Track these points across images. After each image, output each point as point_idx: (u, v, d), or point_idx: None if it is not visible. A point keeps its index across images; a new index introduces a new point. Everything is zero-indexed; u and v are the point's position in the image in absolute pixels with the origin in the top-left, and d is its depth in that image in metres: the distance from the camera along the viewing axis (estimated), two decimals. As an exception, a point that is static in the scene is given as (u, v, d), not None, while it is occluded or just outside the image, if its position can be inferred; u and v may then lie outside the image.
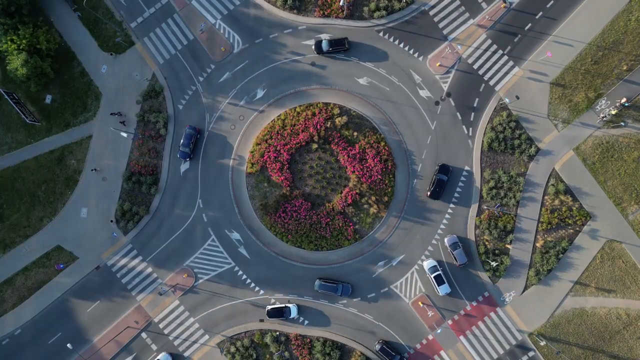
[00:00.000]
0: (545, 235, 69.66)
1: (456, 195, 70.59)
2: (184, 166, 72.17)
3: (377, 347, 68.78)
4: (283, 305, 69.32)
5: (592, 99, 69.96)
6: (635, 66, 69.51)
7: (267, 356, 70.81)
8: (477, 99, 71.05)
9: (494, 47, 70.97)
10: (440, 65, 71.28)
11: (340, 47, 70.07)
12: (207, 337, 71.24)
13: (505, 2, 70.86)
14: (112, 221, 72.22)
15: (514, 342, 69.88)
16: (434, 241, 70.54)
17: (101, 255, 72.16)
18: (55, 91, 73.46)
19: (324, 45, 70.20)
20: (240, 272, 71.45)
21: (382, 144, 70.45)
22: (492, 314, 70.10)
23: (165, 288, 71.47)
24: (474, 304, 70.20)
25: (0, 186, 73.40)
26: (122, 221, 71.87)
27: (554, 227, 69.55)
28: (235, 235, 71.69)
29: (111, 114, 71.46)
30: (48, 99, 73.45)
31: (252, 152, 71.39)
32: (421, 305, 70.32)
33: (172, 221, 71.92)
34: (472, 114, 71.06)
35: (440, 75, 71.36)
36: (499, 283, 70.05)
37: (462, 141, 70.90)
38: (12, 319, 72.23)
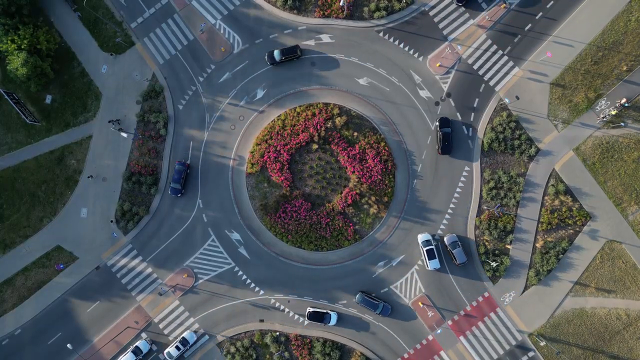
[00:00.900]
0: (545, 236, 69.66)
1: (456, 195, 70.60)
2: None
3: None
4: (325, 311, 68.96)
5: (592, 99, 69.97)
6: (635, 67, 69.52)
7: (267, 356, 70.81)
8: (477, 100, 71.07)
9: (494, 47, 70.99)
10: (440, 65, 71.30)
11: (292, 55, 70.08)
12: (207, 337, 71.23)
13: (505, 2, 70.87)
14: (112, 221, 72.23)
15: (514, 343, 69.89)
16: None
17: (101, 255, 72.17)
18: (55, 91, 73.47)
19: (276, 55, 70.23)
20: (240, 273, 71.46)
21: (382, 144, 70.46)
22: (492, 314, 70.11)
23: (165, 288, 71.47)
24: (474, 304, 70.20)
25: (0, 186, 73.42)
26: (122, 221, 71.88)
27: (554, 227, 69.55)
28: (235, 236, 71.70)
29: (109, 121, 71.44)
30: (48, 99, 73.47)
31: (252, 152, 71.41)
32: (421, 305, 70.32)
33: (172, 221, 71.93)
34: (472, 114, 71.08)
35: (440, 75, 71.37)
36: (499, 283, 70.05)
37: (462, 141, 70.88)
38: (12, 319, 72.25)
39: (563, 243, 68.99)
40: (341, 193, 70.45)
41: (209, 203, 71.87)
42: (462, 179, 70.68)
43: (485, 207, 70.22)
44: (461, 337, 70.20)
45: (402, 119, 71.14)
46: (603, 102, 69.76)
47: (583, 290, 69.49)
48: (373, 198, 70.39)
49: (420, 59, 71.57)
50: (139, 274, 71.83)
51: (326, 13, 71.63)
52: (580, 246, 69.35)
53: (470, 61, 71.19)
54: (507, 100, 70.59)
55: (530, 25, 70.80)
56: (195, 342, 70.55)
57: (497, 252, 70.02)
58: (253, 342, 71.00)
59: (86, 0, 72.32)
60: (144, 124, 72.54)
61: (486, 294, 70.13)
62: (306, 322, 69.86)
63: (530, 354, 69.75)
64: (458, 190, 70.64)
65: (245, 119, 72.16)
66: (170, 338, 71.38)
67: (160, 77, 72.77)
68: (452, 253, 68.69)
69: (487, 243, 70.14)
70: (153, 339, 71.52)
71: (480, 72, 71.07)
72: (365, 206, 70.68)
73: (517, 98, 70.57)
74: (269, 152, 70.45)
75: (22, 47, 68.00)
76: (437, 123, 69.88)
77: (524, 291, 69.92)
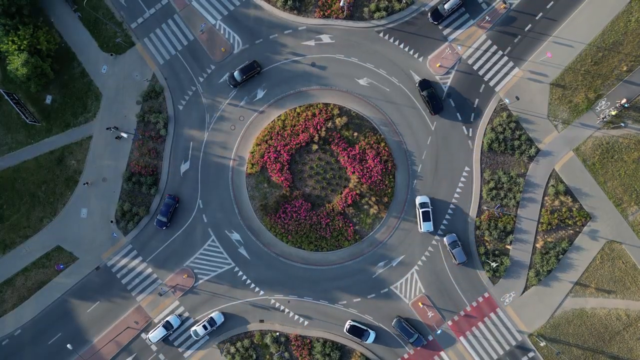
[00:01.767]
0: (545, 236, 69.67)
1: (456, 195, 70.60)
2: (184, 167, 72.21)
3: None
4: (365, 328, 68.61)
5: (592, 99, 69.99)
6: (635, 67, 69.53)
7: (267, 357, 70.80)
8: (477, 100, 71.08)
9: (494, 47, 71.01)
10: (440, 66, 71.32)
11: (252, 71, 69.89)
12: (207, 337, 71.18)
13: (505, 2, 70.90)
14: (112, 222, 72.23)
15: (514, 343, 69.87)
16: (434, 242, 70.54)
17: (101, 255, 72.17)
18: (56, 91, 73.49)
19: (237, 76, 70.04)
20: (240, 273, 71.45)
21: (382, 144, 70.47)
22: (492, 315, 70.10)
23: (165, 288, 71.46)
24: (474, 304, 70.20)
25: (0, 186, 73.42)
26: (122, 222, 71.89)
27: (554, 227, 69.55)
28: (235, 236, 71.70)
29: (107, 128, 71.43)
30: (48, 99, 73.49)
31: (252, 152, 71.42)
32: (421, 305, 70.32)
33: (172, 222, 71.88)
34: (472, 114, 71.09)
35: (440, 75, 71.38)
36: (499, 284, 70.04)
37: (462, 142, 70.92)
38: (12, 319, 72.23)
39: (563, 243, 68.99)
40: (341, 193, 70.45)
41: (209, 203, 71.87)
42: (462, 179, 70.68)
43: (485, 208, 70.23)
44: (461, 338, 70.19)
45: (402, 120, 71.16)
46: (603, 102, 69.77)
47: (583, 290, 69.49)
48: (373, 198, 70.40)
49: (421, 59, 71.59)
50: (139, 274, 71.83)
51: (326, 13, 71.66)
52: (580, 246, 69.35)
53: (470, 61, 71.21)
54: (507, 101, 70.61)
55: (530, 25, 70.82)
56: (222, 324, 70.00)
57: (497, 252, 70.03)
58: (253, 343, 70.99)
59: (86, 0, 72.35)
60: (144, 124, 72.55)
61: (486, 295, 70.13)
62: (346, 334, 69.56)
63: (530, 354, 69.74)
64: (458, 190, 70.65)
65: (246, 119, 72.17)
66: (170, 338, 71.37)
67: (160, 77, 72.79)
68: (452, 252, 68.70)
69: (487, 243, 70.14)
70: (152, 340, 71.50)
71: (480, 73, 71.09)
72: (365, 206, 70.69)
73: (517, 98, 70.59)
74: (269, 152, 70.47)
75: (22, 47, 68.02)
76: (419, 87, 69.83)
77: (524, 291, 69.91)
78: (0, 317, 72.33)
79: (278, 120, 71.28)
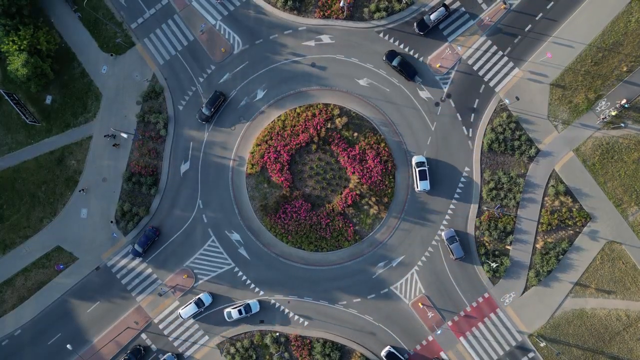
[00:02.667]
0: (545, 237, 69.65)
1: (456, 196, 70.60)
2: (184, 167, 72.23)
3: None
4: (398, 354, 68.18)
5: (592, 100, 69.99)
6: (635, 67, 69.52)
7: (267, 357, 70.76)
8: (477, 100, 71.09)
9: (494, 48, 71.02)
10: (440, 66, 71.33)
11: (217, 102, 69.82)
12: (206, 337, 71.20)
13: (505, 3, 70.92)
14: (112, 222, 72.23)
15: (514, 343, 69.85)
16: (434, 242, 70.53)
17: (101, 255, 72.17)
18: (56, 92, 73.51)
19: (205, 111, 69.95)
20: (240, 273, 71.44)
21: (382, 144, 70.47)
22: (492, 315, 70.07)
23: (165, 289, 71.45)
24: (474, 304, 70.18)
25: (0, 186, 73.42)
26: (122, 222, 71.88)
27: (554, 228, 69.54)
28: (235, 236, 71.69)
29: (105, 135, 71.41)
30: (48, 99, 73.50)
31: (252, 152, 71.42)
32: (421, 306, 70.30)
33: (172, 222, 71.91)
34: (472, 115, 71.10)
35: (440, 76, 71.39)
36: (499, 284, 70.02)
37: (462, 142, 70.92)
38: (12, 319, 72.21)
39: (563, 244, 68.97)
40: (341, 194, 70.45)
41: (209, 204, 71.87)
42: (462, 179, 70.68)
43: (485, 208, 70.22)
44: (461, 338, 70.17)
45: (402, 120, 71.16)
46: (603, 102, 69.77)
47: (583, 291, 69.46)
48: (373, 199, 70.39)
49: (421, 59, 71.59)
50: (138, 274, 71.82)
51: (326, 14, 71.68)
52: (580, 247, 69.33)
53: (470, 62, 71.22)
54: (507, 101, 70.61)
55: (530, 26, 70.84)
56: (257, 312, 70.01)
57: (497, 252, 70.01)
58: (253, 343, 70.95)
59: (86, 0, 72.38)
60: (144, 125, 72.56)
61: (486, 295, 70.11)
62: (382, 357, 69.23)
63: (530, 354, 69.70)
64: (458, 190, 70.64)
65: (246, 120, 72.14)
66: (170, 338, 71.32)
67: (160, 77, 72.81)
68: (450, 247, 68.69)
69: (487, 244, 70.12)
70: (152, 340, 71.43)
71: (480, 73, 71.10)
72: (365, 207, 70.68)
73: (517, 99, 70.59)
74: (269, 152, 70.47)
75: (23, 47, 68.02)
76: (386, 60, 70.11)
77: (524, 292, 69.89)
78: (0, 317, 72.29)
79: (278, 120, 71.29)
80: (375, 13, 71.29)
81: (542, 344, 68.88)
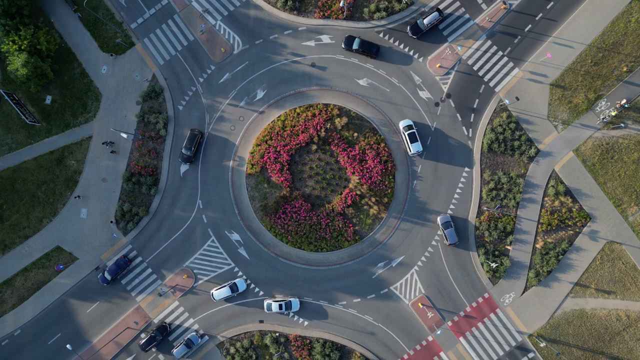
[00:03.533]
0: (545, 237, 69.64)
1: (456, 196, 70.60)
2: (184, 167, 72.22)
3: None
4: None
5: (592, 100, 69.99)
6: (635, 67, 69.53)
7: (267, 357, 70.76)
8: (477, 100, 71.09)
9: (494, 48, 71.02)
10: (440, 66, 71.32)
11: (196, 140, 69.93)
12: (206, 338, 71.18)
13: (505, 3, 70.92)
14: (112, 222, 72.22)
15: (513, 344, 69.83)
16: (434, 242, 70.52)
17: (101, 256, 72.14)
18: (56, 92, 73.51)
19: (186, 152, 69.94)
20: (240, 273, 71.42)
21: (382, 145, 70.47)
22: (492, 315, 70.06)
23: (165, 289, 71.44)
24: (474, 305, 70.17)
25: (0, 186, 73.40)
26: (122, 222, 71.87)
27: (553, 228, 69.53)
28: (235, 236, 71.68)
29: (103, 143, 71.37)
30: (48, 99, 73.51)
31: (252, 153, 71.42)
32: (421, 306, 70.28)
33: (172, 222, 71.92)
34: (472, 115, 71.09)
35: (440, 76, 71.39)
36: (498, 284, 70.01)
37: (462, 142, 70.92)
38: (12, 319, 72.20)
39: (563, 244, 68.96)
40: (341, 194, 70.44)
41: (209, 204, 71.87)
42: (462, 179, 70.67)
43: (485, 208, 70.20)
44: (461, 338, 70.15)
45: (402, 120, 71.11)
46: (603, 103, 69.77)
47: (583, 291, 69.45)
48: (373, 199, 70.38)
49: (420, 59, 71.60)
50: (138, 274, 71.81)
51: (326, 14, 71.68)
52: (580, 247, 69.32)
53: (470, 62, 71.22)
54: (507, 101, 70.61)
55: (530, 26, 70.84)
56: (296, 312, 70.34)
57: (497, 253, 70.00)
58: (253, 343, 70.95)
59: (86, 1, 72.39)
60: (144, 125, 72.56)
61: (486, 295, 70.10)
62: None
63: (530, 355, 69.69)
64: (458, 191, 70.64)
65: (245, 120, 72.18)
66: (170, 339, 71.31)
67: (160, 77, 72.80)
68: (444, 233, 68.65)
69: (487, 244, 70.11)
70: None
71: (480, 73, 71.10)
72: (365, 207, 70.67)
73: (517, 99, 70.59)
74: (268, 152, 70.47)
75: (23, 47, 68.04)
76: (345, 46, 70.41)
77: (523, 292, 69.88)
78: (0, 317, 72.27)
79: (278, 120, 71.29)
80: (375, 13, 71.30)
81: (542, 344, 68.86)
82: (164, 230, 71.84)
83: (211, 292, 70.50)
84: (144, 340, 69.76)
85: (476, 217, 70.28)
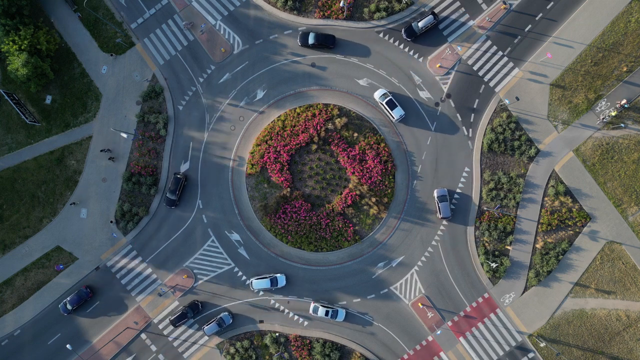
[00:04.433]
0: (545, 237, 69.63)
1: (456, 196, 70.58)
2: (184, 167, 72.21)
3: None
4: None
5: (592, 100, 69.99)
6: (635, 67, 69.53)
7: (267, 357, 70.75)
8: (477, 100, 71.08)
9: (494, 48, 71.02)
10: (440, 66, 71.31)
11: (180, 184, 70.05)
12: (206, 338, 71.18)
13: (505, 3, 70.93)
14: (111, 222, 72.21)
15: (513, 344, 69.82)
16: (434, 242, 70.52)
17: (101, 256, 72.14)
18: (56, 92, 73.50)
19: (171, 196, 70.01)
20: (240, 273, 71.42)
21: (382, 145, 70.46)
22: (492, 315, 70.06)
23: (165, 289, 71.43)
24: (474, 305, 70.16)
25: (0, 187, 73.39)
26: (122, 222, 71.86)
27: (553, 228, 69.53)
28: (235, 236, 71.67)
29: (101, 150, 71.33)
30: (48, 99, 73.50)
31: (252, 153, 71.41)
32: (421, 306, 70.27)
33: (172, 222, 71.90)
34: (472, 115, 71.09)
35: (440, 76, 71.39)
36: (498, 284, 70.01)
37: (462, 142, 70.91)
38: (12, 319, 72.18)
39: (563, 244, 68.96)
40: (341, 194, 70.43)
41: (209, 204, 71.86)
42: (462, 179, 70.67)
43: (485, 208, 70.20)
44: (461, 338, 70.14)
45: (402, 120, 71.13)
46: (603, 103, 69.77)
47: (583, 291, 69.44)
48: (373, 199, 70.36)
49: (421, 59, 71.60)
50: (138, 274, 71.80)
51: (326, 14, 71.68)
52: (580, 247, 69.32)
53: (470, 62, 71.21)
54: (507, 101, 70.61)
55: (530, 26, 70.84)
56: (343, 319, 69.90)
57: (497, 253, 69.99)
58: (253, 343, 70.94)
59: (86, 0, 72.38)
60: (144, 125, 72.55)
61: (486, 295, 70.09)
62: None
63: (530, 355, 69.68)
64: (458, 191, 70.64)
65: (245, 120, 72.18)
66: (170, 338, 71.33)
67: (160, 77, 72.80)
68: (438, 206, 68.69)
69: (487, 244, 70.10)
70: (152, 340, 71.43)
71: (480, 73, 71.10)
72: (365, 207, 70.66)
73: (517, 99, 70.59)
74: (268, 152, 70.46)
75: (23, 47, 68.05)
76: (301, 43, 70.66)
77: (523, 292, 69.87)
78: (0, 317, 72.25)
79: (278, 120, 71.28)
80: (375, 13, 71.29)
81: (542, 344, 68.85)
82: (164, 230, 71.83)
83: (250, 280, 70.23)
84: (175, 316, 69.64)
85: (476, 217, 70.26)
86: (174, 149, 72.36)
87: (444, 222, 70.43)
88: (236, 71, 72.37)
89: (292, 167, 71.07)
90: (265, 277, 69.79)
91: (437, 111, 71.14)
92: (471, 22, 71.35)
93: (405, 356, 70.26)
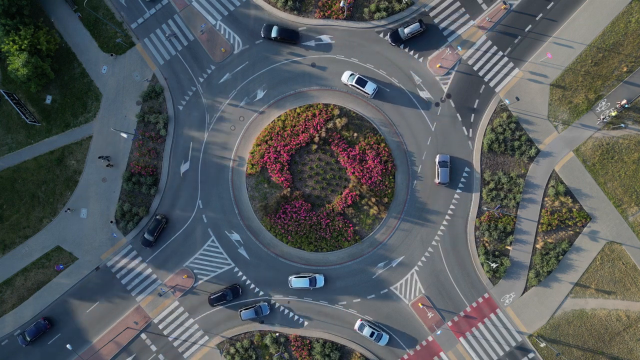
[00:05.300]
0: (545, 237, 69.62)
1: (456, 196, 70.58)
2: (184, 167, 72.22)
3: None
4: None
5: (592, 100, 69.98)
6: (636, 68, 69.52)
7: (267, 357, 70.73)
8: (477, 100, 71.07)
9: (494, 48, 71.01)
10: (440, 66, 71.31)
11: (160, 227, 69.90)
12: (206, 338, 71.18)
13: (505, 3, 70.92)
14: (111, 222, 72.21)
15: (513, 344, 69.81)
16: (434, 242, 70.51)
17: (101, 256, 72.13)
18: (56, 92, 73.50)
19: (148, 237, 69.77)
20: (240, 273, 71.41)
21: (382, 145, 70.46)
22: (492, 316, 70.04)
23: (165, 289, 71.42)
24: (474, 305, 70.15)
25: (0, 186, 73.39)
26: (122, 222, 71.86)
27: (554, 228, 69.52)
28: (235, 236, 71.66)
29: (99, 157, 71.29)
30: (48, 99, 73.50)
31: (252, 153, 71.41)
32: (421, 306, 70.26)
33: (172, 222, 71.89)
34: (472, 115, 71.08)
35: (440, 76, 71.38)
36: (498, 284, 69.99)
37: (462, 142, 70.90)
38: (12, 319, 72.16)
39: (563, 244, 68.94)
40: (341, 194, 70.43)
41: (209, 204, 71.85)
42: (462, 179, 70.66)
43: (485, 208, 70.19)
44: (461, 338, 70.13)
45: (402, 120, 71.15)
46: (603, 103, 69.76)
47: (583, 291, 69.43)
48: (373, 199, 70.35)
49: (421, 60, 71.59)
50: (138, 274, 71.79)
51: (326, 14, 71.68)
52: (580, 247, 69.31)
53: (470, 62, 71.21)
54: (507, 101, 70.60)
55: (530, 26, 70.84)
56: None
57: (497, 253, 69.98)
58: (253, 343, 70.93)
59: (86, 0, 72.39)
60: (144, 125, 72.55)
61: (486, 295, 70.08)
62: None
63: (530, 355, 69.66)
64: (458, 191, 70.62)
65: (246, 120, 72.18)
66: (170, 339, 71.31)
67: (160, 77, 72.80)
68: (438, 170, 68.90)
69: (487, 244, 70.09)
70: (152, 340, 71.43)
71: (481, 73, 71.09)
72: (365, 207, 70.65)
73: (517, 99, 70.58)
74: (269, 152, 70.46)
75: (23, 47, 68.05)
76: (264, 35, 71.02)
77: (524, 292, 69.86)
78: (0, 317, 72.24)
79: (278, 120, 71.28)
80: (376, 13, 71.29)
81: (542, 345, 68.84)
82: (164, 230, 71.78)
83: (290, 278, 70.08)
84: (215, 296, 69.61)
85: (476, 218, 70.26)
86: (174, 149, 72.36)
87: (447, 216, 70.41)
88: (236, 71, 72.37)
89: (292, 167, 71.07)
90: (304, 277, 69.52)
91: (437, 111, 71.14)
92: (471, 22, 71.35)
93: (405, 356, 70.24)
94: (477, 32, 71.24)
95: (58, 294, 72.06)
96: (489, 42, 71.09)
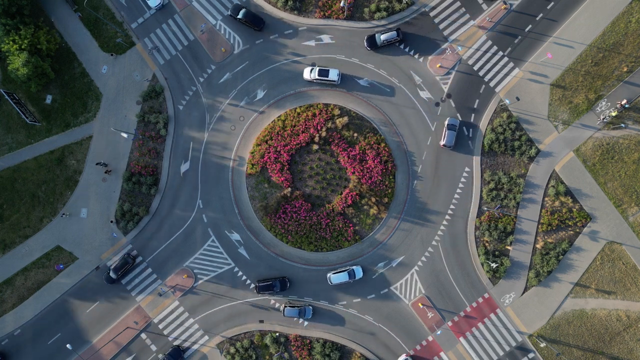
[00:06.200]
0: (546, 237, 69.62)
1: (456, 196, 70.58)
2: (184, 167, 72.24)
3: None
4: None
5: (592, 100, 69.98)
6: (636, 68, 69.51)
7: (267, 357, 70.74)
8: (477, 100, 71.07)
9: (495, 48, 71.01)
10: (440, 66, 71.31)
11: (127, 268, 70.02)
12: (206, 337, 71.18)
13: (505, 3, 70.92)
14: (112, 221, 72.22)
15: (513, 344, 69.81)
16: (434, 242, 70.51)
17: (101, 255, 72.14)
18: (56, 91, 73.51)
19: (112, 274, 69.80)
20: (240, 273, 71.42)
21: (383, 145, 70.45)
22: (492, 316, 70.04)
23: (165, 289, 71.43)
24: (474, 305, 70.15)
25: (0, 187, 73.40)
26: (122, 222, 71.86)
27: (554, 228, 69.51)
28: (235, 236, 71.67)
29: (97, 163, 71.28)
30: (48, 99, 73.51)
31: (252, 152, 71.41)
32: (421, 306, 70.27)
33: (172, 222, 71.90)
34: (473, 115, 71.08)
35: (440, 76, 71.38)
36: (498, 284, 69.99)
37: (462, 142, 70.86)
38: (12, 319, 72.18)
39: (563, 244, 68.94)
40: (341, 194, 70.43)
41: (209, 203, 71.86)
42: (462, 179, 70.66)
43: (485, 208, 70.18)
44: (461, 338, 70.13)
45: (402, 120, 71.15)
46: (603, 103, 69.76)
47: (583, 291, 69.43)
48: (373, 199, 70.35)
49: (421, 59, 71.59)
50: (138, 274, 71.79)
51: (327, 14, 71.68)
52: (580, 247, 69.31)
53: (470, 62, 71.21)
54: (507, 101, 70.60)
55: (530, 26, 70.84)
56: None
57: (497, 253, 69.98)
58: (253, 343, 70.94)
59: (87, 0, 72.39)
60: (144, 125, 72.55)
61: (486, 295, 70.08)
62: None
63: (530, 355, 69.66)
64: (458, 191, 70.62)
65: (246, 120, 72.18)
66: (170, 338, 71.33)
67: (160, 77, 72.80)
68: (445, 132, 69.07)
69: (487, 244, 70.09)
70: (152, 340, 71.43)
71: (481, 73, 71.09)
72: (365, 207, 70.65)
73: (518, 99, 70.58)
74: (269, 152, 70.46)
75: (23, 47, 68.06)
76: (231, 15, 71.43)
77: (524, 292, 69.86)
78: (0, 317, 72.25)
79: (278, 120, 71.28)
80: (376, 13, 71.29)
81: (542, 345, 68.84)
82: (164, 230, 71.83)
83: (328, 275, 69.83)
84: (263, 284, 69.49)
85: (476, 218, 70.26)
86: (174, 148, 72.37)
87: (447, 216, 70.42)
88: (236, 71, 72.37)
89: (292, 167, 71.07)
90: (343, 271, 69.37)
91: (437, 111, 71.13)
92: (471, 22, 71.35)
93: (406, 356, 70.16)
94: (477, 32, 71.24)
95: (58, 294, 72.07)
96: (489, 42, 71.08)
